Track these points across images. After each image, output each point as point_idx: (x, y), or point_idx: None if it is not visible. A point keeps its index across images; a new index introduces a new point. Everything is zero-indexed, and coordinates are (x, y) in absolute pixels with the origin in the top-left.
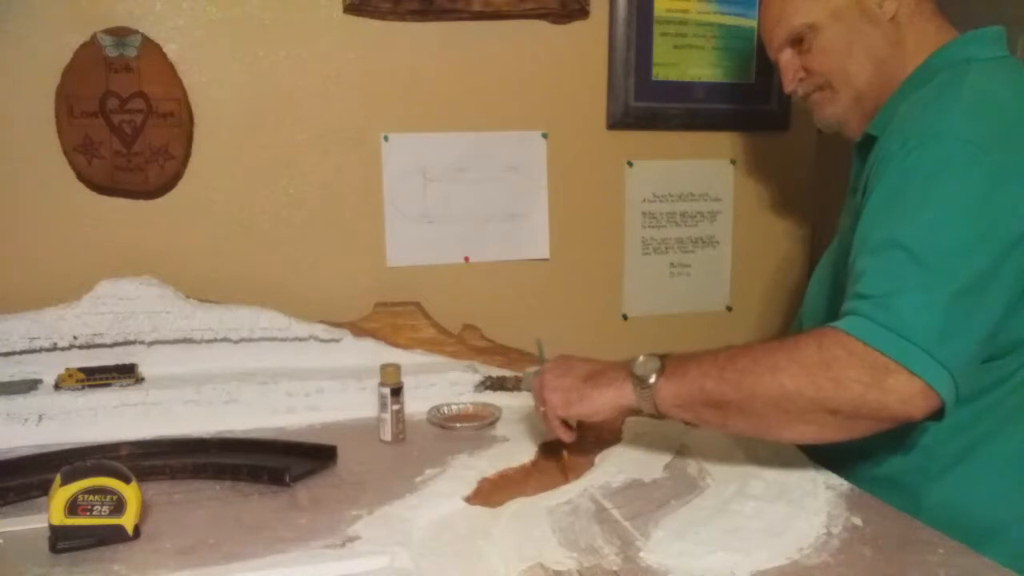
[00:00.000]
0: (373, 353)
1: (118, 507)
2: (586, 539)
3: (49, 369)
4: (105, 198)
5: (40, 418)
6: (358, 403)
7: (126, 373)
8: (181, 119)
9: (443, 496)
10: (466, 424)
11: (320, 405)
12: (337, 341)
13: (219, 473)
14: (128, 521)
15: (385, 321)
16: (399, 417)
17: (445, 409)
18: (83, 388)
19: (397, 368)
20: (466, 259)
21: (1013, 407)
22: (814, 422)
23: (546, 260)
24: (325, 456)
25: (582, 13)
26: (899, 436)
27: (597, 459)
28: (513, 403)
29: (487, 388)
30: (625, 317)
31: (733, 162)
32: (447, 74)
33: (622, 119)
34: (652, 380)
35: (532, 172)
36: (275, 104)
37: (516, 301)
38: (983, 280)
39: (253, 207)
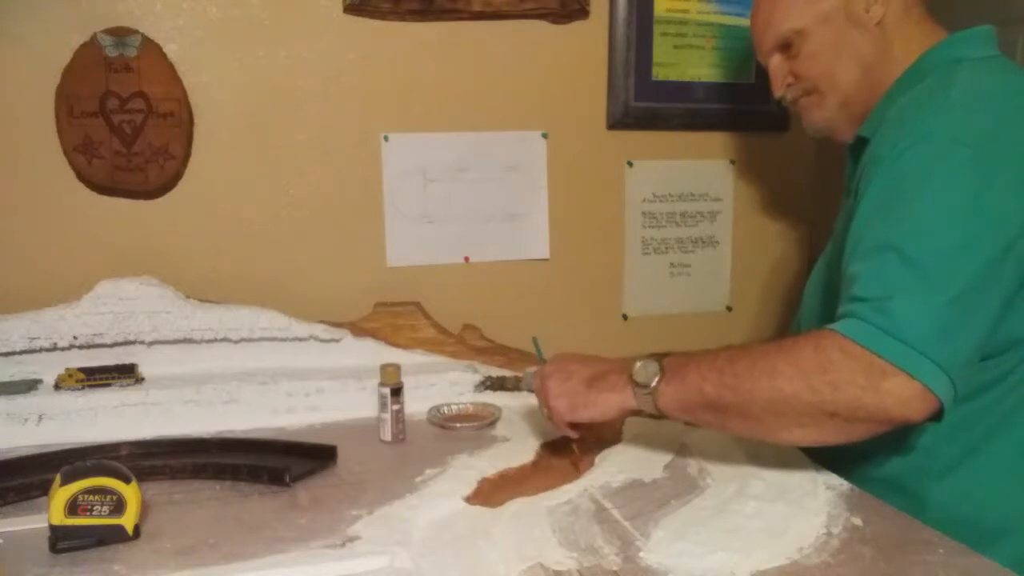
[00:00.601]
0: (373, 353)
1: (118, 507)
2: (586, 539)
3: (49, 369)
4: (105, 198)
5: (40, 418)
6: (358, 403)
7: (126, 373)
8: (181, 119)
9: (443, 496)
10: (466, 424)
11: (320, 405)
12: (337, 341)
13: (219, 473)
14: (128, 521)
15: (385, 321)
16: (399, 417)
17: (445, 409)
18: (83, 388)
19: (397, 368)
20: (466, 259)
21: (1013, 405)
22: (812, 425)
23: (546, 260)
24: (325, 456)
25: (582, 13)
26: (900, 437)
27: (597, 459)
28: (513, 403)
29: (487, 388)
30: (625, 317)
31: (733, 162)
32: (447, 74)
33: (622, 119)
34: (653, 384)
35: (532, 172)
36: (275, 104)
37: (516, 301)
38: (979, 280)
39: (253, 207)
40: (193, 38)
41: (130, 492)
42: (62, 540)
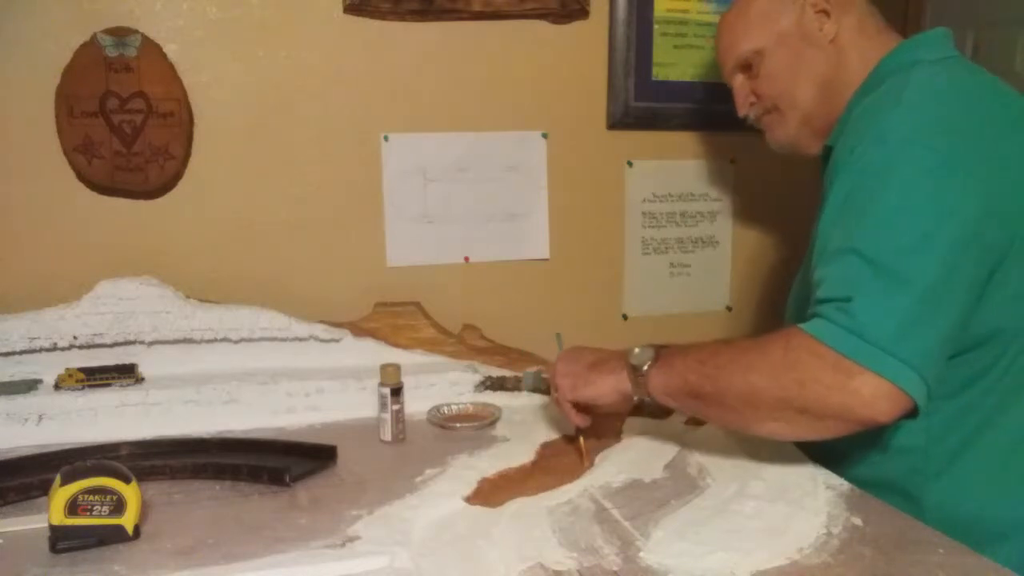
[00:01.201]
0: (373, 353)
1: (118, 507)
2: (586, 539)
3: (49, 369)
4: (105, 198)
5: (40, 418)
6: (358, 403)
7: (126, 373)
8: (181, 119)
9: (443, 496)
10: (466, 424)
11: (320, 405)
12: (337, 341)
13: (219, 473)
14: (128, 521)
15: (385, 321)
16: (399, 417)
17: (445, 409)
18: (83, 388)
19: (397, 368)
20: (466, 259)
21: (997, 402)
22: (783, 419)
23: (546, 260)
24: (325, 456)
25: (582, 13)
26: (892, 440)
27: (597, 459)
28: (513, 403)
29: (487, 388)
30: (625, 317)
31: (733, 162)
32: (447, 74)
33: (622, 119)
34: (645, 369)
35: (532, 172)
36: (275, 104)
37: (516, 301)
38: (941, 274)
39: (253, 207)
40: (193, 38)
41: (130, 492)
42: (62, 540)
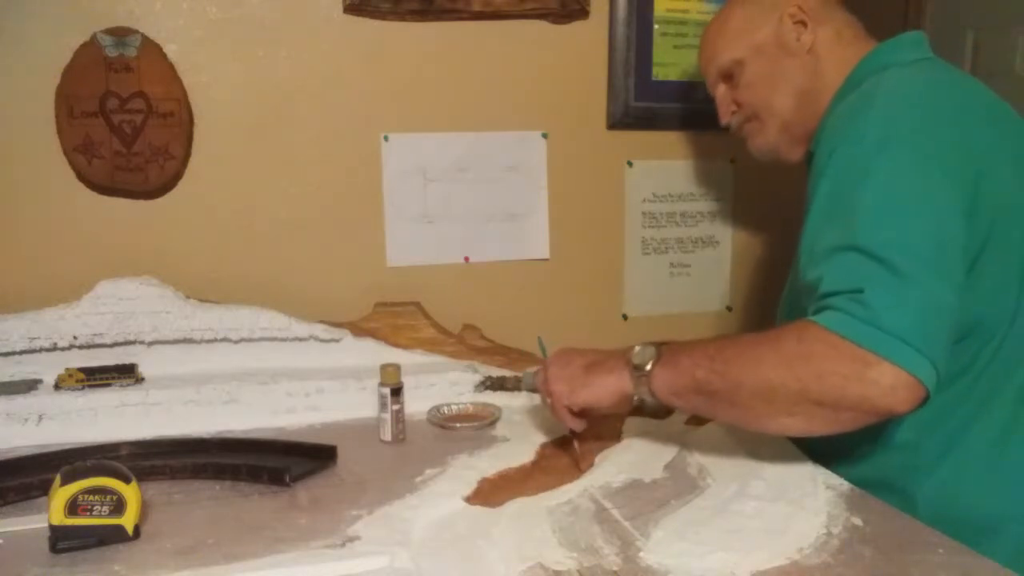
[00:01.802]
0: (373, 353)
1: (118, 507)
2: (586, 539)
3: (49, 369)
4: (105, 198)
5: (40, 418)
6: (358, 403)
7: (126, 373)
8: (181, 119)
9: (443, 496)
10: (466, 424)
11: (320, 405)
12: (337, 341)
13: (219, 473)
14: (128, 521)
15: (385, 321)
16: (399, 417)
17: (445, 409)
18: (83, 388)
19: (397, 368)
20: (466, 259)
21: (984, 392)
22: (800, 414)
23: (546, 260)
24: (325, 456)
25: (582, 13)
26: (885, 436)
27: (597, 459)
28: (513, 403)
29: (487, 388)
30: (625, 317)
31: (733, 162)
32: (447, 74)
33: (622, 119)
34: (648, 368)
35: (532, 172)
36: (275, 104)
37: (516, 301)
38: (940, 266)
39: (253, 207)
40: (193, 38)
41: (130, 492)
42: (62, 540)
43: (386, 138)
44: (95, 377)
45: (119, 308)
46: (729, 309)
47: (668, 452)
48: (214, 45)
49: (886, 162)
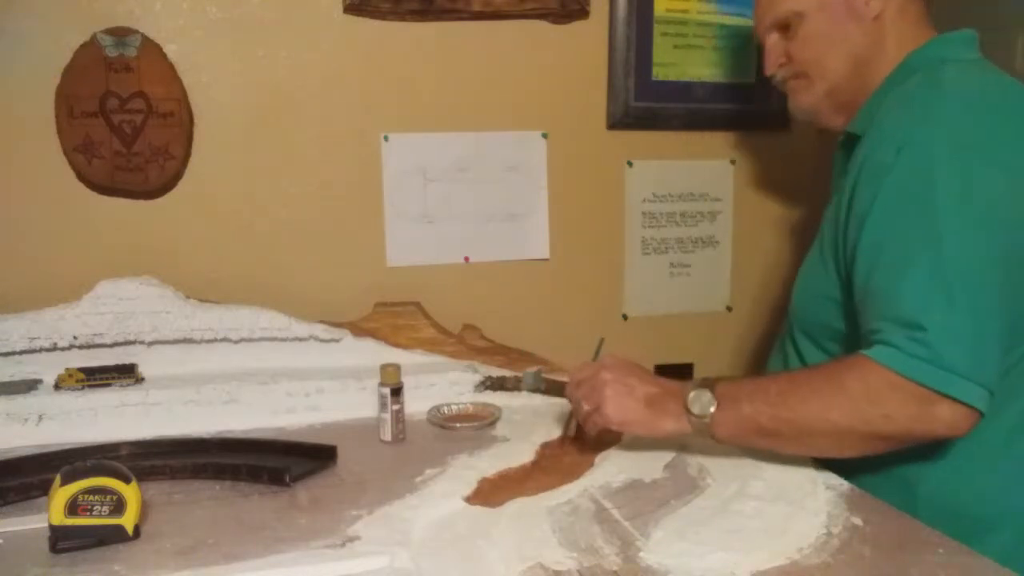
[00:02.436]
0: (373, 353)
1: (118, 507)
2: (586, 539)
3: (49, 369)
4: (105, 198)
5: (40, 418)
6: (358, 403)
7: (126, 373)
8: (181, 119)
9: (443, 496)
10: (466, 424)
11: (320, 405)
12: (337, 341)
13: (219, 473)
14: (128, 521)
15: (385, 321)
16: (399, 417)
17: (445, 409)
18: (83, 388)
19: (397, 368)
20: (466, 259)
21: (1002, 395)
22: (865, 448)
23: (546, 260)
24: (325, 456)
25: (582, 13)
26: None
27: (597, 459)
28: (513, 403)
29: (487, 388)
30: (625, 317)
31: (733, 162)
32: (447, 74)
33: (622, 119)
34: (708, 415)
35: (532, 172)
36: (275, 104)
37: (516, 301)
38: (1002, 291)
39: (253, 207)
40: (193, 38)
41: (130, 492)
42: (62, 540)
43: (386, 138)
44: (95, 377)
45: (119, 308)
46: (729, 309)
47: (668, 452)
48: (214, 45)
49: (955, 171)
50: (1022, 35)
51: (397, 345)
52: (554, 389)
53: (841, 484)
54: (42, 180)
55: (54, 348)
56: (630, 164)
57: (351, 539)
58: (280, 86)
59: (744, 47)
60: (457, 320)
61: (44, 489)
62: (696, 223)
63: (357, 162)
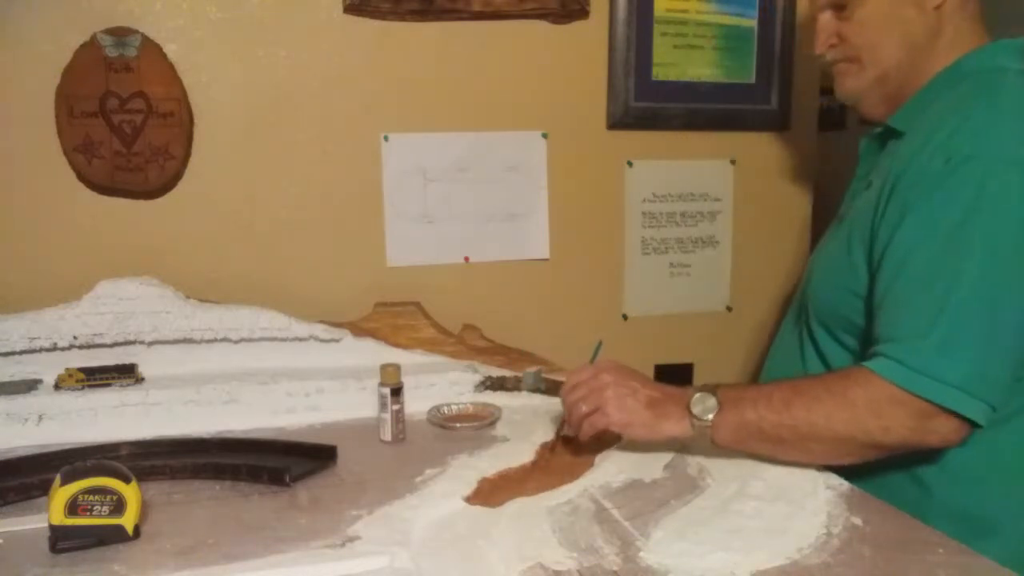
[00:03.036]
0: (373, 353)
1: (118, 507)
2: (586, 539)
3: (49, 369)
4: (105, 198)
5: (40, 418)
6: (358, 403)
7: (126, 373)
8: (181, 119)
9: (443, 496)
10: (466, 424)
11: (320, 405)
12: (337, 341)
13: (219, 473)
14: (128, 521)
15: (385, 321)
16: (399, 417)
17: (445, 409)
18: (83, 388)
19: (397, 368)
20: (466, 259)
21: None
22: (861, 456)
23: (546, 260)
24: (325, 456)
25: (582, 13)
26: None
27: (597, 459)
28: (513, 403)
29: (487, 388)
30: (625, 317)
31: (733, 162)
32: (447, 74)
33: (622, 119)
34: (710, 418)
35: (532, 172)
36: (275, 104)
37: (516, 301)
38: (1017, 315)
39: (253, 207)
40: (193, 38)
41: (130, 492)
42: (62, 540)
43: (386, 138)
44: (95, 377)
45: (119, 308)
46: (729, 309)
47: (668, 452)
48: (214, 45)
49: (1001, 193)
50: (1022, 35)
51: (397, 345)
52: (554, 389)
53: (841, 484)
54: (42, 180)
55: (54, 348)
56: (630, 164)
57: (351, 539)
58: (280, 86)
59: (744, 47)
60: (457, 320)
61: (44, 489)
62: (696, 223)
63: (357, 162)
